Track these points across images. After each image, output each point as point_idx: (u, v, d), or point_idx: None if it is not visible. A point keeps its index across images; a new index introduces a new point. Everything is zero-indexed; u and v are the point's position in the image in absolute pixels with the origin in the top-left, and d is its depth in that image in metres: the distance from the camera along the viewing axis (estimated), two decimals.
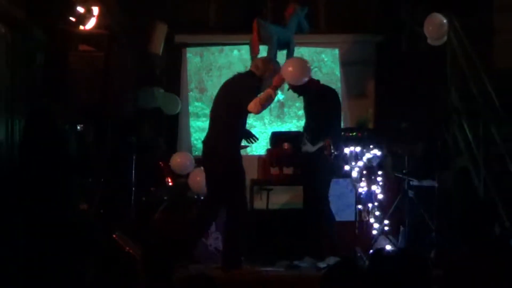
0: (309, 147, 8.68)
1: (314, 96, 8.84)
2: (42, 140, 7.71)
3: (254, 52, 9.91)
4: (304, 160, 8.81)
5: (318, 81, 9.22)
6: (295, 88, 9.00)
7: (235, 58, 12.14)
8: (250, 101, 7.90)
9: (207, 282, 4.90)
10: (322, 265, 8.21)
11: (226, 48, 12.38)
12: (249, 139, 8.49)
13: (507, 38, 10.55)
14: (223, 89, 8.32)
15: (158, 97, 11.28)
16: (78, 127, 9.34)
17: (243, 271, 7.84)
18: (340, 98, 9.67)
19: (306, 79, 8.59)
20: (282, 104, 12.22)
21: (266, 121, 12.28)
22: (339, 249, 8.47)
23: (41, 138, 7.73)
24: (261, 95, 7.96)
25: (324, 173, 8.68)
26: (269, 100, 7.95)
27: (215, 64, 12.43)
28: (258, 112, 8.05)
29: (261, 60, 8.50)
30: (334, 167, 8.81)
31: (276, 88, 7.99)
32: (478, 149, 9.19)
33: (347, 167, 9.07)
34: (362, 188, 9.15)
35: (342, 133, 9.66)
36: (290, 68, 8.44)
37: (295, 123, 11.99)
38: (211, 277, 5.56)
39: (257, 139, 8.68)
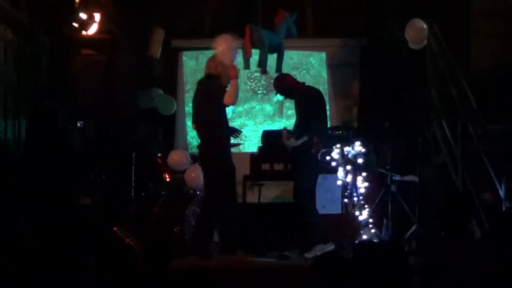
0: (292, 142, 8.68)
1: (300, 96, 8.85)
2: (44, 138, 7.73)
3: (246, 56, 9.94)
4: (293, 156, 8.82)
5: (303, 83, 9.23)
6: (281, 92, 9.02)
7: None
8: (223, 98, 7.95)
9: (205, 273, 4.94)
10: (309, 255, 8.22)
11: None
12: (234, 134, 8.47)
13: (484, 41, 10.62)
14: (197, 99, 8.26)
15: (156, 98, 11.30)
16: (79, 124, 9.37)
17: (237, 260, 7.86)
18: (327, 98, 9.69)
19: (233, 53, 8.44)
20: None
21: (258, 120, 12.33)
22: (323, 241, 8.45)
23: (43, 136, 7.74)
24: (229, 89, 7.96)
25: (310, 168, 8.68)
26: (237, 89, 7.95)
27: None
28: (234, 102, 8.09)
29: (208, 61, 8.42)
30: (321, 163, 8.80)
31: (235, 78, 7.97)
32: (456, 146, 9.27)
33: (333, 163, 9.08)
34: (348, 183, 9.17)
35: (329, 131, 9.70)
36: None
37: (284, 122, 12.02)
38: (209, 268, 5.62)
39: (241, 132, 8.69)
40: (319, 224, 8.51)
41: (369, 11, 12.14)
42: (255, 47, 9.97)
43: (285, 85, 8.96)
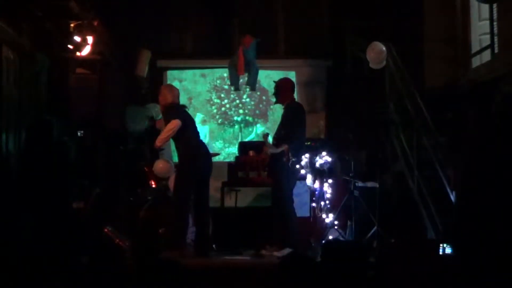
0: (273, 149, 8.68)
1: (287, 108, 8.82)
2: (39, 149, 7.74)
3: (240, 72, 10.03)
4: (272, 164, 8.78)
5: (293, 97, 9.22)
6: (275, 89, 8.96)
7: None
8: None
9: (187, 269, 4.96)
10: (279, 254, 8.20)
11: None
12: None
13: (434, 62, 10.74)
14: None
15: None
16: (79, 133, 9.39)
17: (215, 258, 7.89)
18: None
19: None
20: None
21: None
22: (295, 241, 8.47)
23: (38, 147, 7.75)
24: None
25: (285, 176, 8.66)
26: None
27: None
28: None
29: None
30: (296, 172, 8.76)
31: None
32: (412, 155, 9.33)
33: (303, 171, 9.12)
34: (316, 188, 9.21)
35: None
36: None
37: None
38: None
39: None
40: (293, 226, 8.49)
41: (334, 34, 12.21)
42: (247, 66, 10.08)
43: (280, 86, 8.88)
